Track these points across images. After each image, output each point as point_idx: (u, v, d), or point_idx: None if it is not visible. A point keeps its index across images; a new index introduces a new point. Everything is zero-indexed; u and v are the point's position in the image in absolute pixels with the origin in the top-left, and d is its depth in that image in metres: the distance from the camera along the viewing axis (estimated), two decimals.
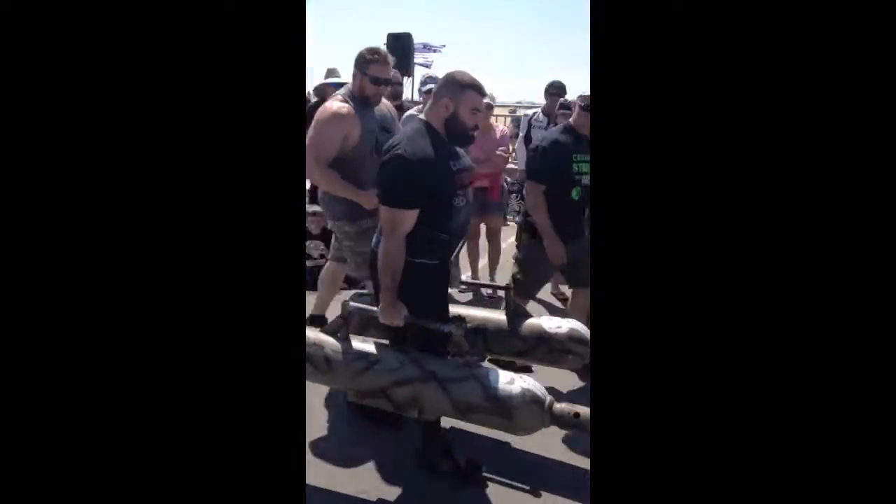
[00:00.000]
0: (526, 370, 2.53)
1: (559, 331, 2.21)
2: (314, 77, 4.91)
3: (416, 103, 4.43)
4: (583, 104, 2.59)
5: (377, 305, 1.97)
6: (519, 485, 2.09)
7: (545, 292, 3.91)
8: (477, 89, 1.93)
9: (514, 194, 6.08)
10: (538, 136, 4.38)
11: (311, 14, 0.99)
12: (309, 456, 2.21)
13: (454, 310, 2.19)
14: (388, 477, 2.13)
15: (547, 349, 2.22)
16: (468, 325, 2.21)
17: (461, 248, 2.10)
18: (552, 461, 2.21)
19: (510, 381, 1.83)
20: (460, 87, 1.91)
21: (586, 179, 2.63)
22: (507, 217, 6.87)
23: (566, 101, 4.08)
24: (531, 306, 2.99)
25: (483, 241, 4.32)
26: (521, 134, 5.02)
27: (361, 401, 2.02)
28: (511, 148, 5.03)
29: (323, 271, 2.97)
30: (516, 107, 11.42)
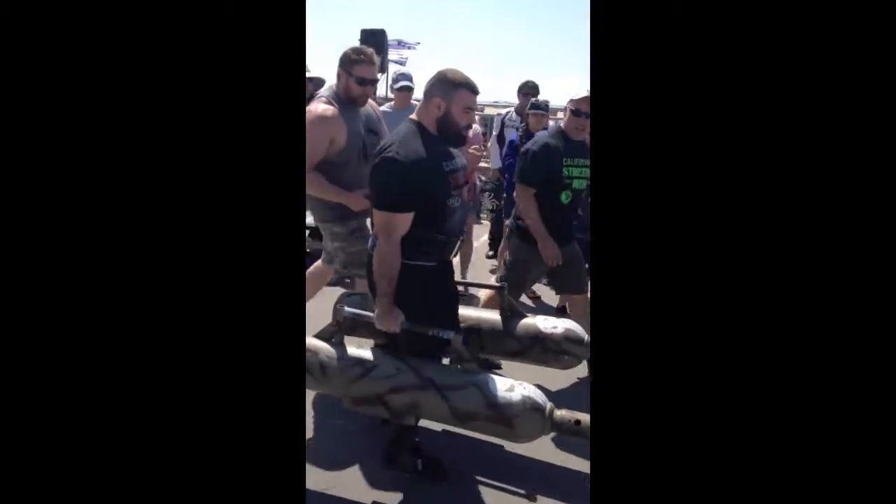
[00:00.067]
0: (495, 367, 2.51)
1: (555, 331, 2.16)
2: None
3: (390, 100, 4.35)
4: (573, 108, 2.55)
5: (372, 307, 1.90)
6: (514, 489, 2.03)
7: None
8: (469, 88, 1.87)
9: (486, 193, 6.06)
10: (510, 135, 4.37)
11: None
12: None
13: None
14: (383, 479, 2.06)
15: (542, 349, 2.17)
16: (462, 324, 2.15)
17: (458, 249, 2.03)
18: (547, 464, 2.16)
19: (510, 389, 1.77)
20: (452, 86, 1.85)
21: (576, 184, 2.60)
22: (481, 215, 6.84)
23: (537, 100, 4.07)
24: None
25: None
26: (493, 133, 4.99)
27: (357, 408, 1.94)
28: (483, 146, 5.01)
29: (311, 269, 2.87)
30: (484, 106, 11.44)
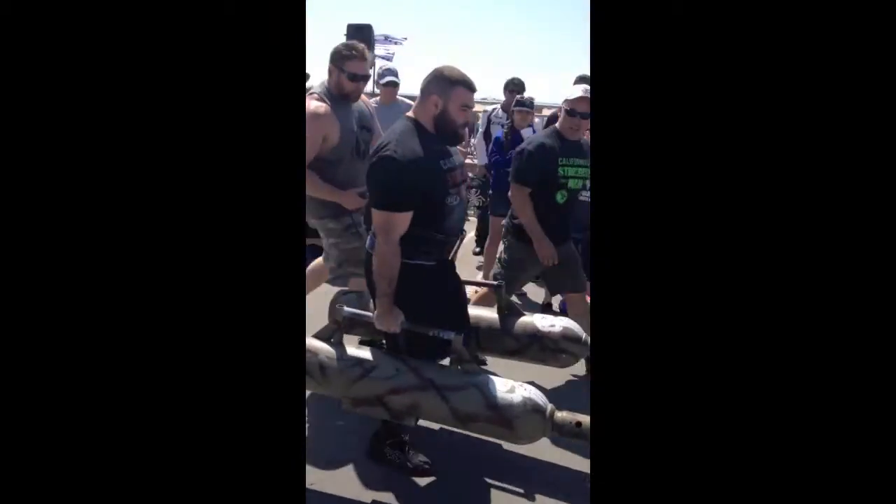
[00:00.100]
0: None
1: (553, 329, 2.15)
2: None
3: (375, 95, 4.30)
4: (568, 109, 2.54)
5: (367, 305, 1.87)
6: (513, 487, 2.01)
7: None
8: (466, 85, 1.85)
9: (473, 190, 6.03)
10: (496, 132, 4.35)
11: None
12: None
13: None
14: (382, 479, 2.03)
15: (539, 347, 2.16)
16: None
17: (458, 247, 2.00)
18: (547, 464, 2.14)
19: (510, 390, 1.75)
20: (449, 84, 1.83)
21: (572, 183, 2.59)
22: (467, 212, 6.81)
23: (522, 97, 4.05)
24: None
25: None
26: (479, 130, 4.97)
27: (356, 409, 1.91)
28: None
29: (310, 266, 2.83)
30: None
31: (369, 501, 1.93)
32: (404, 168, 1.73)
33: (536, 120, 4.41)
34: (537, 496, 1.98)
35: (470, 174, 5.20)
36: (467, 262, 4.82)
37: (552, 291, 2.69)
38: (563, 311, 3.51)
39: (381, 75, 3.93)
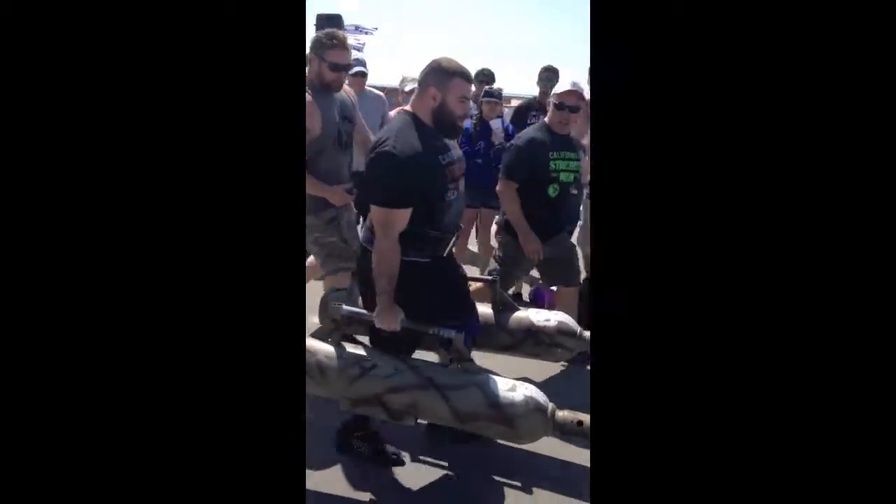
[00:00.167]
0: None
1: (548, 324, 2.13)
2: None
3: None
4: (556, 102, 2.51)
5: (357, 301, 1.83)
6: (510, 482, 2.00)
7: None
8: (464, 76, 1.80)
9: None
10: (465, 123, 4.27)
11: None
12: None
13: None
14: (381, 478, 2.01)
15: (534, 342, 2.13)
16: None
17: (455, 243, 1.96)
18: (543, 457, 2.12)
19: (512, 388, 1.73)
20: (447, 75, 1.78)
21: (563, 177, 2.56)
22: None
23: (491, 88, 4.01)
24: None
25: None
26: None
27: (355, 409, 1.87)
28: None
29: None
30: None
31: (367, 501, 1.91)
32: (403, 164, 1.69)
33: (506, 110, 4.37)
34: (537, 491, 1.97)
35: None
36: None
37: (546, 283, 2.68)
38: (534, 301, 3.52)
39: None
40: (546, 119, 2.62)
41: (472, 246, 3.97)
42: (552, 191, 2.56)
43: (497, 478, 2.02)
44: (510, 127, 3.93)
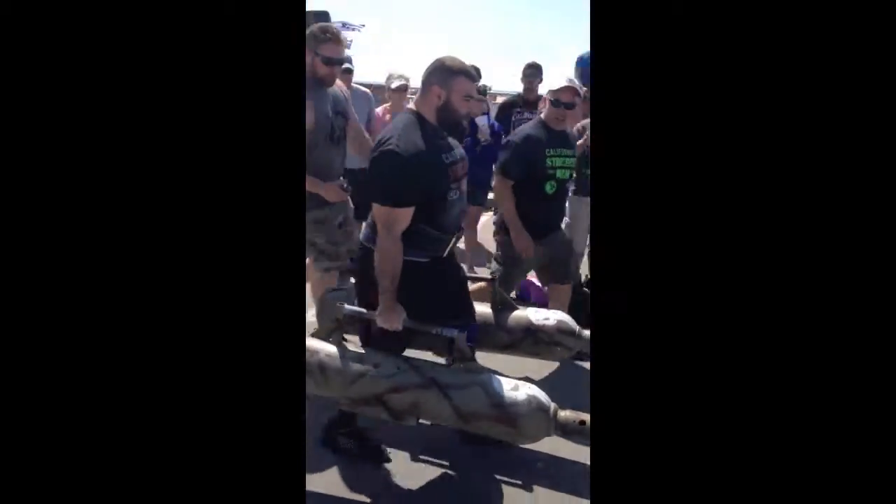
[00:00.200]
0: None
1: (547, 323, 2.12)
2: None
3: None
4: (552, 99, 2.49)
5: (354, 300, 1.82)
6: (510, 480, 2.00)
7: None
8: (468, 75, 1.78)
9: None
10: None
11: None
12: None
13: None
14: (380, 478, 1.99)
15: (533, 341, 2.13)
16: None
17: (455, 242, 1.94)
18: (543, 455, 2.12)
19: (514, 388, 1.72)
20: (451, 74, 1.76)
21: (560, 173, 2.54)
22: None
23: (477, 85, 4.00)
24: None
25: None
26: None
27: (355, 409, 1.85)
28: None
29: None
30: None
31: (368, 501, 1.89)
32: (406, 162, 1.67)
33: (491, 107, 4.36)
34: (535, 488, 1.97)
35: None
36: None
37: (543, 283, 2.67)
38: (520, 298, 3.51)
39: None
40: (542, 115, 2.60)
41: (460, 243, 3.97)
42: (549, 188, 2.54)
43: (497, 476, 2.02)
44: (496, 124, 3.93)
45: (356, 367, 1.81)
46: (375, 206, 1.75)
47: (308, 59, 2.29)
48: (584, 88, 2.72)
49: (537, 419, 1.70)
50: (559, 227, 2.69)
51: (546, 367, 2.72)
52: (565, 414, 1.73)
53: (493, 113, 4.14)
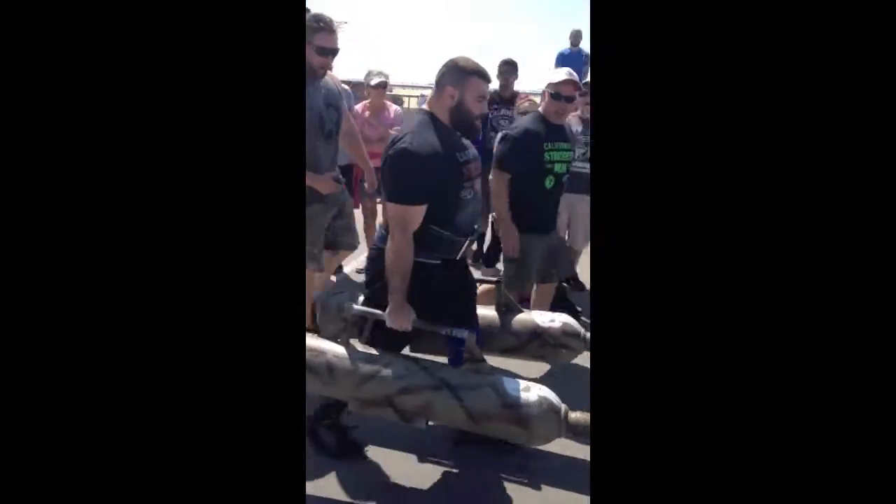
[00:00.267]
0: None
1: (553, 325, 2.11)
2: None
3: None
4: (552, 92, 2.46)
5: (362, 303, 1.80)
6: (516, 477, 1.98)
7: None
8: (481, 75, 1.78)
9: None
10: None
11: None
12: None
13: None
14: (379, 477, 1.97)
15: (540, 344, 2.11)
16: None
17: (468, 245, 1.93)
18: (549, 452, 2.10)
19: (526, 389, 1.70)
20: (464, 74, 1.76)
21: (558, 168, 2.51)
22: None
23: None
24: None
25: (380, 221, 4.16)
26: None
27: (364, 410, 1.82)
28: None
29: None
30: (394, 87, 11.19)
31: (368, 500, 1.87)
32: (420, 159, 1.67)
33: None
34: (543, 486, 1.96)
35: None
36: None
37: (538, 281, 2.64)
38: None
39: None
40: (541, 109, 2.55)
41: None
42: (548, 182, 2.50)
43: (503, 475, 2.00)
44: None
45: (366, 368, 1.78)
46: (389, 206, 1.74)
47: None
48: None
49: (549, 420, 1.69)
50: (555, 224, 2.66)
51: (546, 368, 2.72)
52: (576, 415, 1.72)
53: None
